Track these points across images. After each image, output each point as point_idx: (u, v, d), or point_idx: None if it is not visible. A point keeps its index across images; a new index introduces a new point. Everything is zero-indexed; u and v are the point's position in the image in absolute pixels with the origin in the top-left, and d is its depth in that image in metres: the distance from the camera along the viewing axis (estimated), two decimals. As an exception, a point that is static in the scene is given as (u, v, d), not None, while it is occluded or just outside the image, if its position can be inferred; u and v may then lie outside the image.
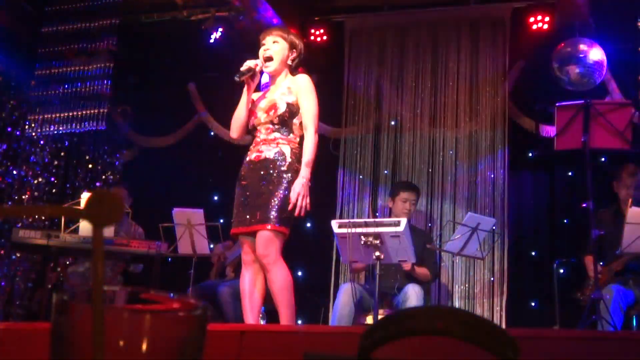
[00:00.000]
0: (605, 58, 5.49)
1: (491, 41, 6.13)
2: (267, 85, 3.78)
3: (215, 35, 6.25)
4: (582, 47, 5.48)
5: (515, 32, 6.05)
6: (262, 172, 3.44)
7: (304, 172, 3.42)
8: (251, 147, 3.59)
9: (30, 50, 6.47)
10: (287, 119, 3.51)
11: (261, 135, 3.54)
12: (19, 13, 6.43)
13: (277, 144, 3.49)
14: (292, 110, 3.51)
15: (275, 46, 3.60)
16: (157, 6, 6.38)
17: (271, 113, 3.51)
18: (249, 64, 3.55)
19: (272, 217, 3.34)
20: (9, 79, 6.74)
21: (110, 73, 6.25)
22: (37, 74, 6.41)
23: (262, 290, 3.53)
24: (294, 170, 3.45)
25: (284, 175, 3.41)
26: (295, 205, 3.36)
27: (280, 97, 3.53)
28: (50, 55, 6.40)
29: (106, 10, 6.32)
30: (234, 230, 3.52)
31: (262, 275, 3.50)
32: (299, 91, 3.54)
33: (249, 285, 3.50)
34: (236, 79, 3.53)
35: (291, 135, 3.53)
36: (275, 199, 3.37)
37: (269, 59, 3.59)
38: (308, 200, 3.40)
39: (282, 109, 3.49)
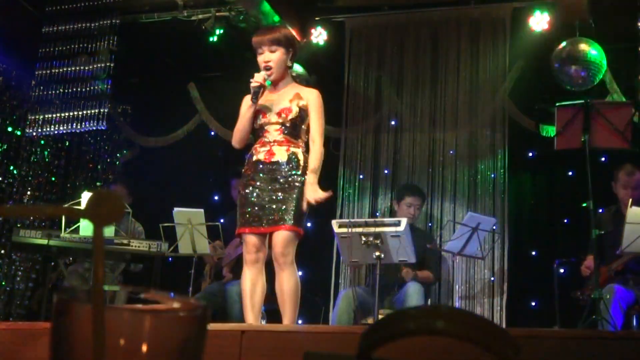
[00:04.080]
0: (605, 58, 5.49)
1: (491, 41, 6.13)
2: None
3: (215, 35, 6.25)
4: (582, 47, 5.48)
5: (515, 32, 6.05)
6: (276, 174, 3.49)
7: (313, 179, 3.48)
8: (256, 146, 3.59)
9: (31, 50, 6.47)
10: (297, 123, 3.57)
11: (270, 136, 3.55)
12: (19, 13, 6.42)
13: (289, 146, 3.53)
14: (303, 116, 3.58)
15: (274, 55, 3.60)
16: (157, 6, 6.38)
17: (283, 115, 3.55)
18: (258, 80, 3.53)
19: (290, 218, 3.42)
20: (9, 79, 6.74)
21: (111, 73, 6.26)
22: (37, 74, 6.41)
23: (263, 289, 3.54)
24: (306, 173, 3.52)
25: (298, 178, 3.48)
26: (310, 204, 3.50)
27: (293, 100, 3.58)
28: (51, 55, 6.40)
29: (106, 10, 6.33)
30: (243, 229, 3.52)
31: (264, 275, 3.54)
32: (310, 105, 3.60)
33: (251, 284, 3.51)
34: (253, 101, 3.54)
35: (299, 139, 3.59)
36: (292, 201, 3.44)
37: (268, 68, 3.60)
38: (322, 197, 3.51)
39: (294, 112, 3.54)
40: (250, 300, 3.50)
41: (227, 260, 5.39)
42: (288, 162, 3.50)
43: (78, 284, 5.36)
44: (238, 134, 3.65)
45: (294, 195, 3.45)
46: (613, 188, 4.91)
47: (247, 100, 3.61)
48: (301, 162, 3.51)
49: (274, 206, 3.45)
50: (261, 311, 3.69)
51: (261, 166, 3.52)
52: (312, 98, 3.62)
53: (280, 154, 3.51)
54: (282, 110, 3.56)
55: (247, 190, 3.53)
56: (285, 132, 3.55)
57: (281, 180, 3.47)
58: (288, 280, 3.43)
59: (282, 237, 3.42)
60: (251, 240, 3.50)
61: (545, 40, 5.83)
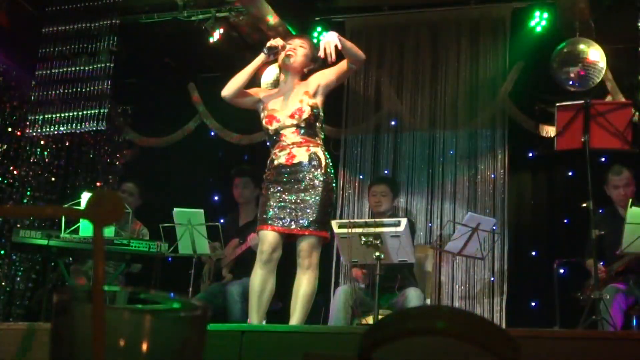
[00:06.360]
0: (605, 58, 5.48)
1: (491, 41, 6.12)
2: (276, 85, 3.81)
3: (215, 35, 6.25)
4: (582, 47, 5.48)
5: (515, 32, 6.05)
6: (299, 175, 3.51)
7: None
8: (275, 151, 3.61)
9: (31, 51, 6.46)
10: (312, 122, 3.59)
11: (287, 139, 3.57)
12: (19, 13, 6.42)
13: (309, 146, 3.56)
14: (315, 114, 3.59)
15: (300, 49, 3.67)
16: (157, 6, 6.38)
17: (296, 116, 3.56)
18: (279, 43, 3.62)
19: (316, 222, 3.46)
20: (9, 79, 6.73)
21: (110, 73, 6.25)
22: (37, 74, 6.40)
23: (271, 291, 3.54)
24: (328, 172, 3.57)
25: (321, 179, 3.51)
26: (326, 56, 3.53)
27: (302, 99, 3.60)
28: (51, 55, 6.39)
29: (106, 10, 6.32)
30: (262, 227, 3.53)
31: (274, 275, 3.55)
32: (320, 77, 3.64)
33: (261, 283, 3.50)
34: (264, 52, 3.61)
35: (317, 137, 3.61)
36: (317, 205, 3.47)
37: (290, 53, 3.63)
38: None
39: (307, 112, 3.56)
40: (257, 300, 3.50)
41: (227, 261, 5.39)
42: (309, 161, 3.53)
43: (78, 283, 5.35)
44: (233, 84, 3.67)
45: (318, 198, 3.48)
46: (606, 190, 4.92)
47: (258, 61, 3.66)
48: (322, 161, 3.55)
49: (298, 207, 3.47)
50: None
51: (283, 170, 3.55)
52: (319, 77, 3.66)
53: (301, 155, 3.54)
54: (295, 112, 3.58)
55: (269, 191, 3.56)
56: (302, 132, 3.57)
57: (303, 180, 3.50)
58: (307, 283, 3.47)
59: (308, 242, 3.47)
60: (268, 238, 3.50)
61: (545, 40, 5.83)
